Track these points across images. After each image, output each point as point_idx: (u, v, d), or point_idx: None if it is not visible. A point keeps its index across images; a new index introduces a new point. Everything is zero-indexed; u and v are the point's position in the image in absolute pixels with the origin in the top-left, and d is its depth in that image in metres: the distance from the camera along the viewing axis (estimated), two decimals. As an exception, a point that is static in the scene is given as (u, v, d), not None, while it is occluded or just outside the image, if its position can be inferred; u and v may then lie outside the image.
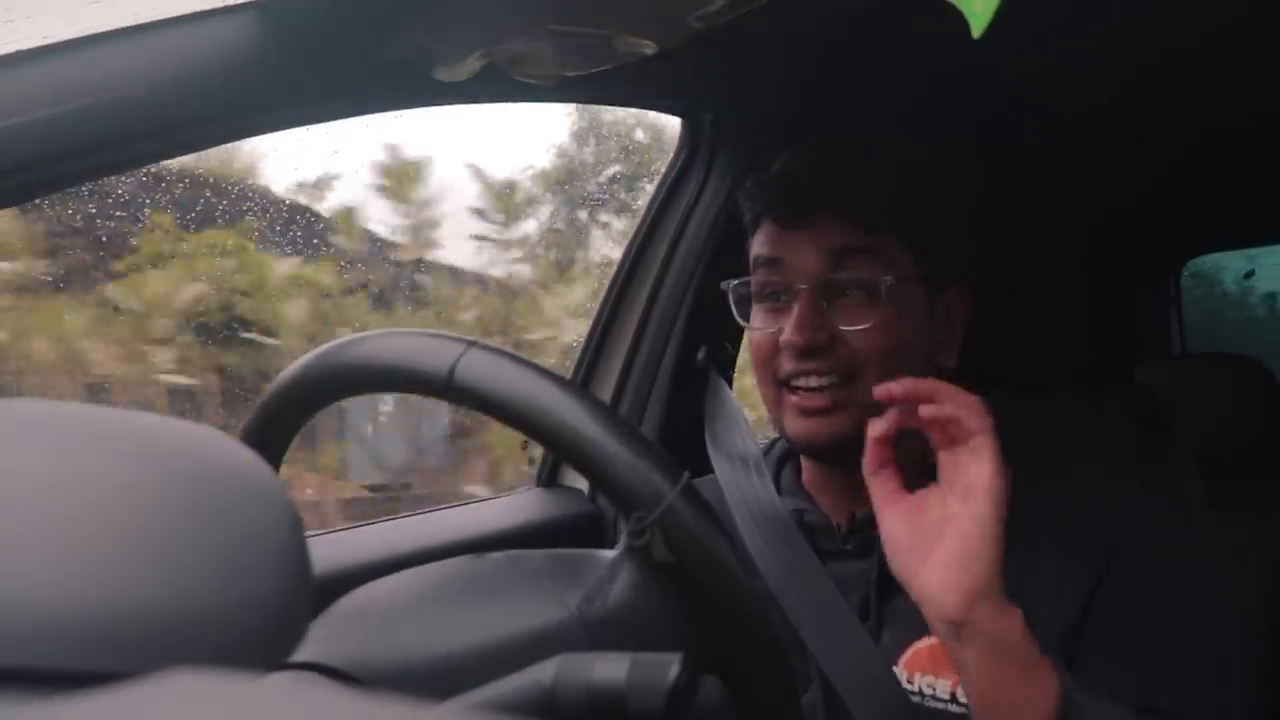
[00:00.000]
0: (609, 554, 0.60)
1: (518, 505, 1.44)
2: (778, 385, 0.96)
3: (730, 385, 1.36)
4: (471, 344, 0.60)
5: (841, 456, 0.96)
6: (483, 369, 0.59)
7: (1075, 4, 1.14)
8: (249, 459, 0.36)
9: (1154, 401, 1.21)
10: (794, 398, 0.94)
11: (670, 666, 0.51)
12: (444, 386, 0.59)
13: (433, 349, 0.60)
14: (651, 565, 0.56)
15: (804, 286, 0.93)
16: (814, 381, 0.93)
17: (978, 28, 0.55)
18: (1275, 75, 1.42)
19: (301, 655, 0.51)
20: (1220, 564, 0.96)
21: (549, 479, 1.50)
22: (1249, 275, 2.98)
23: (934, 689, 0.90)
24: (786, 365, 0.94)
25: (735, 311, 1.01)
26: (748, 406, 1.20)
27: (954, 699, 0.89)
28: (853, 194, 0.94)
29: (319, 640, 0.53)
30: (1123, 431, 1.18)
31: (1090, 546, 0.89)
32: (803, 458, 1.04)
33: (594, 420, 0.57)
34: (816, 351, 0.92)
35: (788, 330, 0.93)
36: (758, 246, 0.99)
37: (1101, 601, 0.87)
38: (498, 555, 0.62)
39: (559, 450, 0.58)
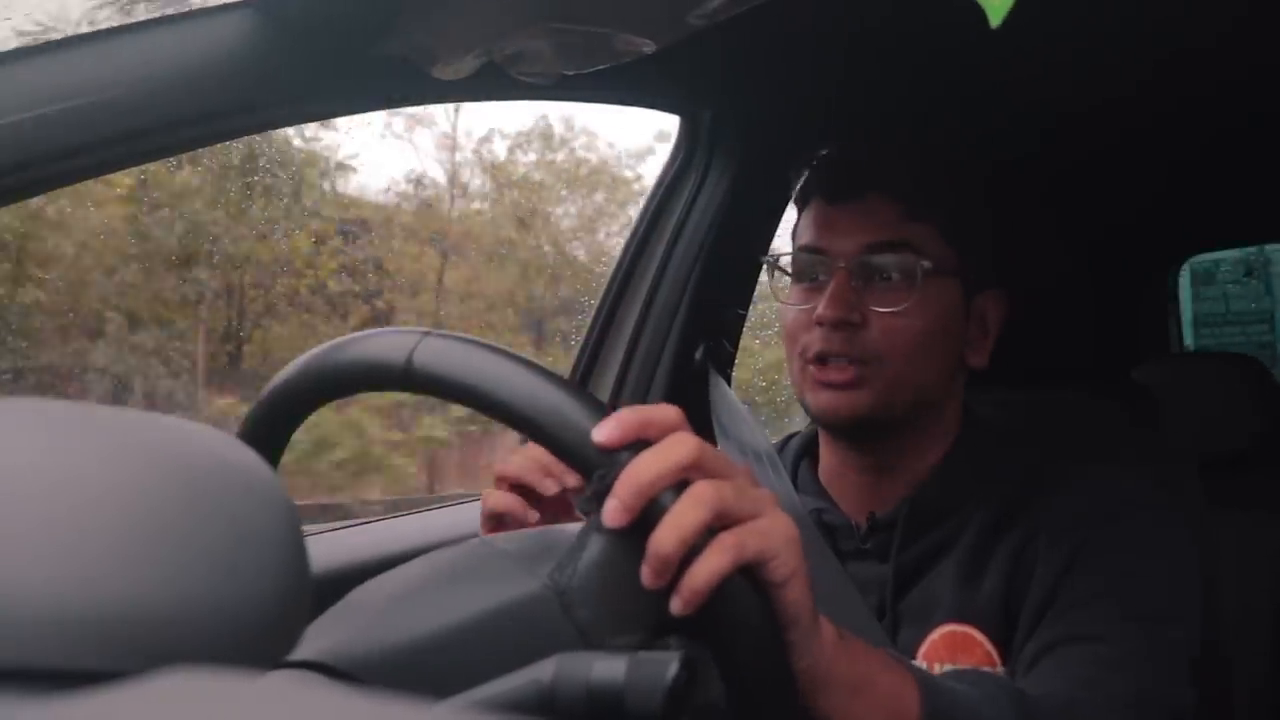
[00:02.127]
0: (577, 526, 0.60)
1: (516, 504, 1.44)
2: (805, 361, 0.96)
3: (729, 383, 1.36)
4: (427, 333, 0.61)
5: (862, 435, 0.98)
6: (438, 354, 0.59)
7: (1075, 5, 1.14)
8: (246, 457, 0.36)
9: (1151, 401, 1.21)
10: (816, 371, 0.95)
11: (669, 665, 0.51)
12: (403, 376, 0.60)
13: (390, 343, 0.61)
14: (623, 533, 0.56)
15: (842, 265, 0.94)
16: (842, 360, 0.94)
17: (995, 18, 0.55)
18: (1273, 75, 1.42)
19: (299, 654, 0.51)
20: (1185, 522, 0.96)
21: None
22: (1249, 274, 2.98)
23: None
24: (817, 342, 0.95)
25: (770, 287, 1.02)
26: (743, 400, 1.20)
27: None
28: (901, 178, 0.95)
29: (316, 638, 0.53)
30: (1121, 431, 1.18)
31: (1078, 521, 0.91)
32: (822, 448, 1.05)
33: (544, 387, 0.57)
34: (845, 328, 0.93)
35: (821, 306, 0.94)
36: (802, 224, 1.00)
37: (1076, 565, 0.89)
38: (470, 540, 0.62)
39: (516, 423, 0.58)
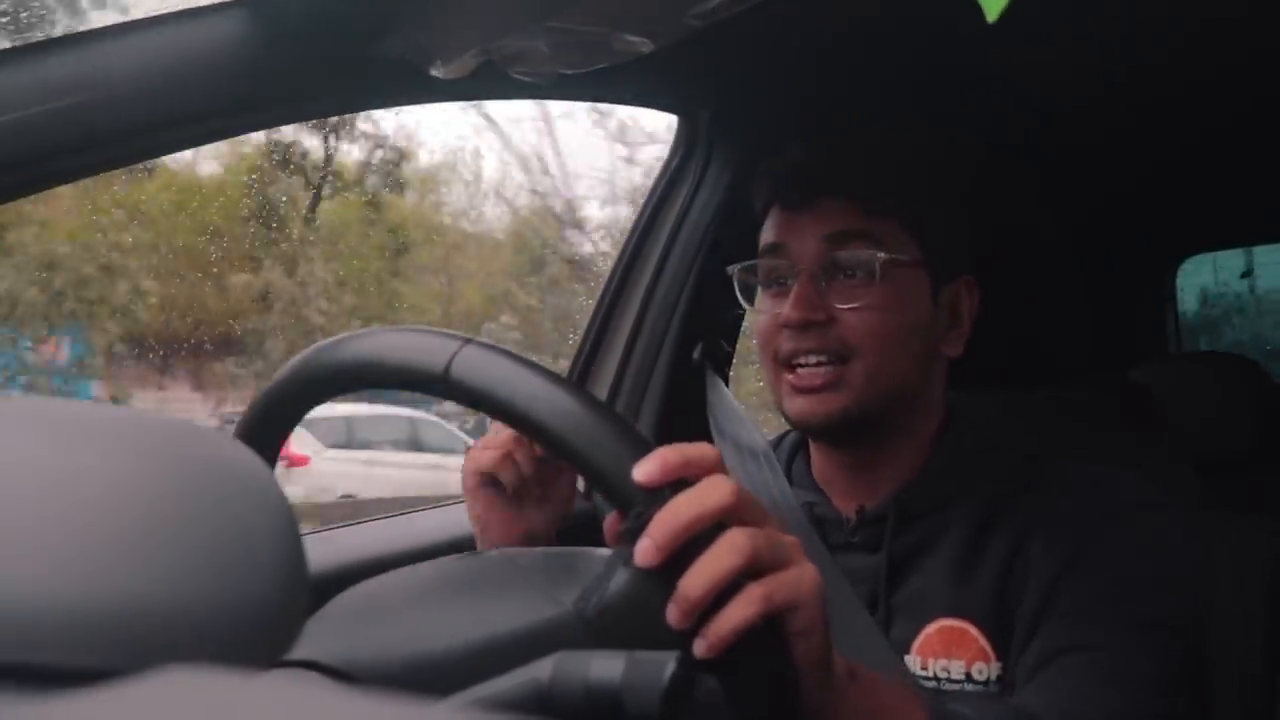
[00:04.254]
0: (604, 552, 0.60)
1: (514, 503, 1.44)
2: (778, 366, 0.97)
3: (726, 382, 1.36)
4: (467, 341, 0.60)
5: (839, 437, 0.98)
6: (477, 366, 0.59)
7: (1080, 5, 1.14)
8: (243, 455, 0.36)
9: (1149, 401, 1.21)
10: (790, 377, 0.96)
11: (666, 665, 0.51)
12: (441, 382, 0.60)
13: (429, 346, 0.61)
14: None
15: (804, 266, 0.95)
16: (811, 359, 0.94)
17: (992, 13, 0.55)
18: (1272, 73, 1.42)
19: (298, 653, 0.51)
20: (1182, 521, 0.97)
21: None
22: (1246, 274, 2.98)
23: (948, 671, 0.91)
24: (785, 345, 0.95)
25: (739, 296, 1.03)
26: (739, 399, 1.20)
27: (969, 678, 0.91)
28: (855, 178, 0.96)
29: (314, 638, 0.53)
30: (1118, 431, 1.18)
31: (1076, 521, 0.92)
32: (812, 448, 1.05)
33: (589, 417, 0.57)
34: (813, 328, 0.94)
35: (786, 308, 0.94)
36: (765, 232, 1.01)
37: (1075, 566, 0.90)
38: (493, 553, 0.62)
39: (556, 449, 0.58)
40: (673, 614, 0.55)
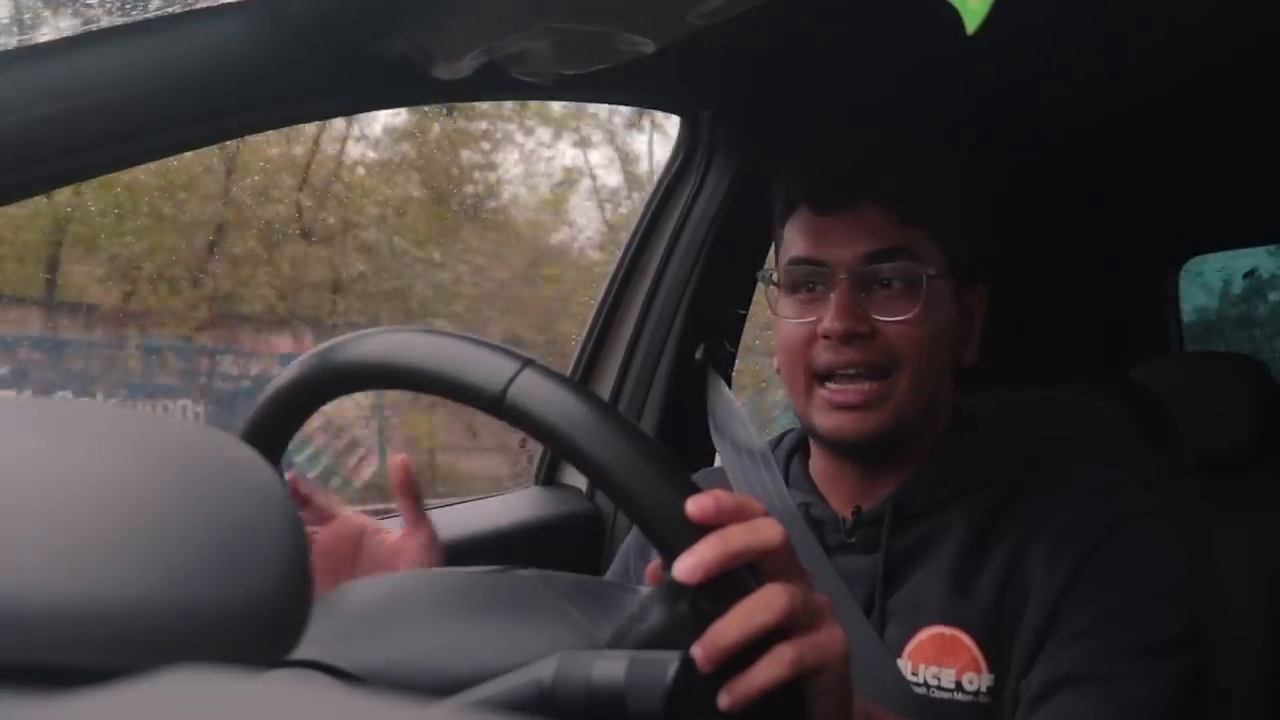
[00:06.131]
0: (642, 590, 0.61)
1: (516, 503, 1.44)
2: (810, 378, 0.95)
3: (729, 383, 1.36)
4: (528, 363, 0.59)
5: (874, 454, 0.97)
6: (536, 393, 0.58)
7: (1078, 8, 1.14)
8: (247, 455, 0.36)
9: (1151, 400, 1.21)
10: (826, 392, 0.94)
11: (669, 665, 0.51)
12: (496, 404, 0.58)
13: (489, 364, 0.59)
14: (684, 612, 0.57)
15: (844, 276, 0.93)
16: (851, 372, 0.93)
17: (972, 24, 0.55)
18: (1275, 78, 1.42)
19: (317, 652, 0.51)
20: (1182, 526, 0.97)
21: (548, 477, 1.50)
22: (1249, 274, 2.98)
23: (939, 679, 0.91)
24: (824, 356, 0.93)
25: (768, 302, 1.00)
26: (741, 391, 1.20)
27: (959, 687, 0.90)
28: (893, 184, 0.94)
29: (333, 638, 0.53)
30: (1119, 429, 1.18)
31: (1076, 536, 0.91)
32: (813, 449, 1.05)
33: (641, 460, 0.57)
34: (856, 340, 0.92)
35: (827, 319, 0.92)
36: (793, 235, 0.98)
37: (1078, 585, 0.89)
38: (529, 573, 0.62)
39: (606, 489, 0.58)
40: (699, 653, 0.56)
